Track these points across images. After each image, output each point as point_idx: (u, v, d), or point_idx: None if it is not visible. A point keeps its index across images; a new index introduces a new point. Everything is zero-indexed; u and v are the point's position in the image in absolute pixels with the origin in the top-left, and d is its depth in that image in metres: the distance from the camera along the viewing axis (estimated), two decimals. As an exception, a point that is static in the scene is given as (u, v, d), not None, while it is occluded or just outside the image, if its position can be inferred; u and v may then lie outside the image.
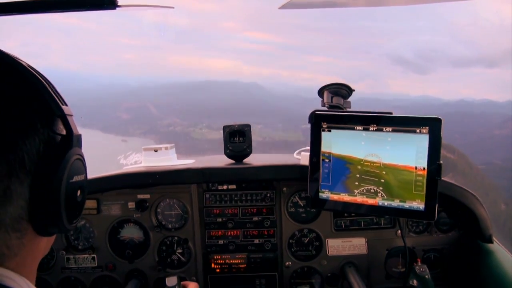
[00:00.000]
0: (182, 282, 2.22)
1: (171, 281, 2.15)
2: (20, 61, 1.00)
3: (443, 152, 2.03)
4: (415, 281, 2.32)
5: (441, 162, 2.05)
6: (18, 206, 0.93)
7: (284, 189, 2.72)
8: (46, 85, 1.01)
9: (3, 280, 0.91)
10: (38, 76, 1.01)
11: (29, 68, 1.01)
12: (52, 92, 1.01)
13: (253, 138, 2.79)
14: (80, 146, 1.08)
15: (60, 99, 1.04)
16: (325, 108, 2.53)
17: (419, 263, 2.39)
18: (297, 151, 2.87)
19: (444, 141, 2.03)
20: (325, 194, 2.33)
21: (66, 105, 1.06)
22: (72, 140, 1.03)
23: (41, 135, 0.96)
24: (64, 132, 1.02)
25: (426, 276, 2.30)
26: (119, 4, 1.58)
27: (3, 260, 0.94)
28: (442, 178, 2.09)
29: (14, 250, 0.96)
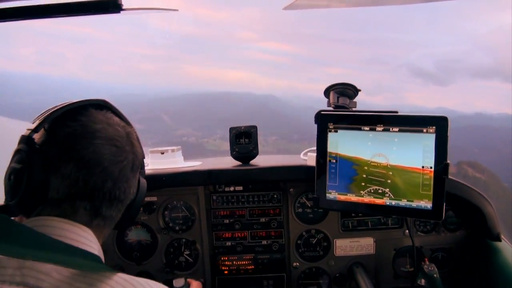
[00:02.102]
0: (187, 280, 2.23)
1: (179, 282, 2.16)
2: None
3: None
4: (423, 280, 2.31)
5: (449, 161, 2.04)
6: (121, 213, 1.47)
7: (291, 190, 2.72)
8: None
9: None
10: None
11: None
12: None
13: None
14: None
15: None
16: (331, 109, 2.53)
17: (427, 262, 2.38)
18: (303, 152, 2.87)
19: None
20: (332, 195, 2.33)
21: None
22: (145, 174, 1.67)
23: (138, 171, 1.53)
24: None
25: (435, 275, 2.29)
26: (123, 7, 1.59)
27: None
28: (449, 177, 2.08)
29: (105, 238, 1.47)
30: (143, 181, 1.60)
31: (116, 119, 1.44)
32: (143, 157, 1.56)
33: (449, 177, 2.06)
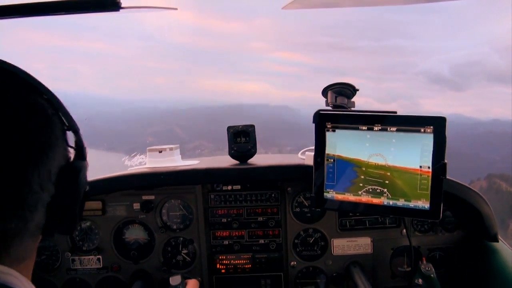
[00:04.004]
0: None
1: (175, 280, 2.16)
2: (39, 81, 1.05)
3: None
4: (420, 280, 2.31)
5: (446, 161, 2.04)
6: (41, 214, 1.01)
7: (289, 189, 2.72)
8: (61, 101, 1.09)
9: (12, 283, 0.97)
10: (54, 94, 1.08)
11: (47, 87, 1.07)
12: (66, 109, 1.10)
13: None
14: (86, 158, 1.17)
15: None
16: (329, 108, 2.53)
17: (424, 262, 2.38)
18: (301, 151, 2.87)
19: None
20: (329, 194, 2.33)
21: None
22: (85, 153, 1.14)
23: (62, 148, 1.06)
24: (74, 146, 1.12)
25: (432, 275, 2.29)
26: (122, 6, 1.58)
27: (22, 264, 1.04)
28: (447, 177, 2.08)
29: (28, 253, 1.06)
30: (77, 166, 1.11)
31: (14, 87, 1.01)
32: (74, 129, 1.12)
33: (447, 177, 2.07)
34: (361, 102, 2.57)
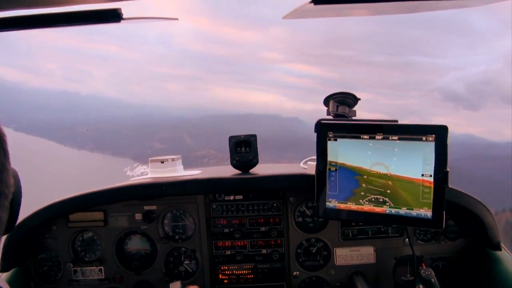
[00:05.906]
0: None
1: (175, 286, 2.16)
2: None
3: None
4: (421, 286, 2.30)
5: (448, 170, 2.04)
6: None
7: (291, 198, 2.72)
8: None
9: None
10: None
11: None
12: None
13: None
14: None
15: None
16: (331, 117, 2.53)
17: (424, 267, 2.37)
18: (303, 161, 2.86)
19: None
20: (332, 204, 2.32)
21: None
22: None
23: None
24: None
25: (432, 280, 2.28)
26: (123, 17, 1.59)
27: None
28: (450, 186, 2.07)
29: None
30: (13, 169, 1.32)
31: None
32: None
33: (450, 186, 2.06)
34: (372, 118, 2.54)
